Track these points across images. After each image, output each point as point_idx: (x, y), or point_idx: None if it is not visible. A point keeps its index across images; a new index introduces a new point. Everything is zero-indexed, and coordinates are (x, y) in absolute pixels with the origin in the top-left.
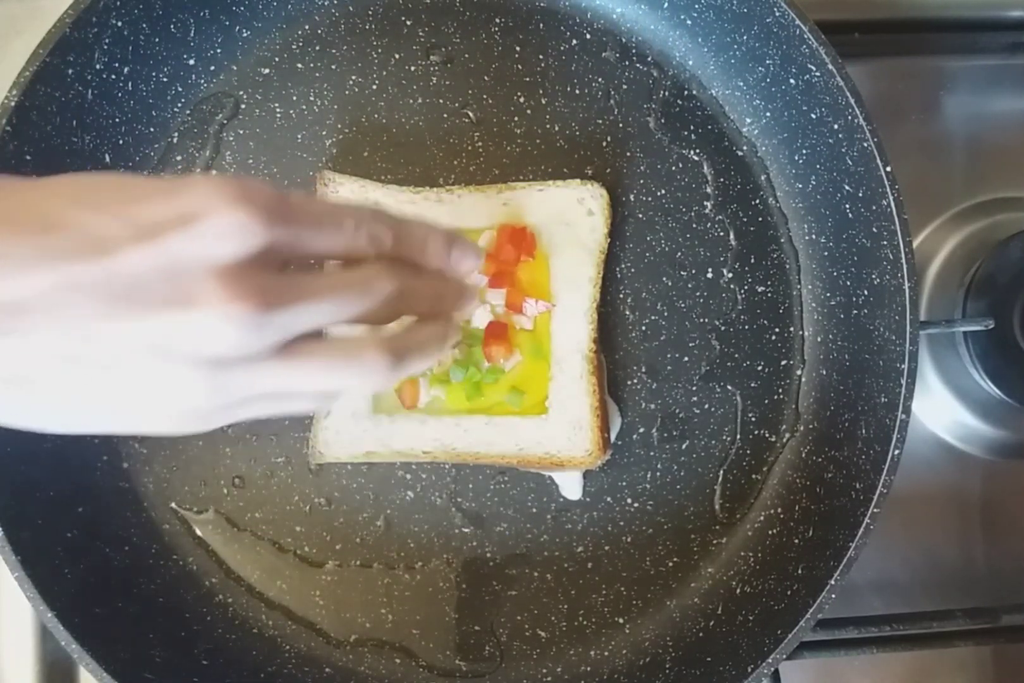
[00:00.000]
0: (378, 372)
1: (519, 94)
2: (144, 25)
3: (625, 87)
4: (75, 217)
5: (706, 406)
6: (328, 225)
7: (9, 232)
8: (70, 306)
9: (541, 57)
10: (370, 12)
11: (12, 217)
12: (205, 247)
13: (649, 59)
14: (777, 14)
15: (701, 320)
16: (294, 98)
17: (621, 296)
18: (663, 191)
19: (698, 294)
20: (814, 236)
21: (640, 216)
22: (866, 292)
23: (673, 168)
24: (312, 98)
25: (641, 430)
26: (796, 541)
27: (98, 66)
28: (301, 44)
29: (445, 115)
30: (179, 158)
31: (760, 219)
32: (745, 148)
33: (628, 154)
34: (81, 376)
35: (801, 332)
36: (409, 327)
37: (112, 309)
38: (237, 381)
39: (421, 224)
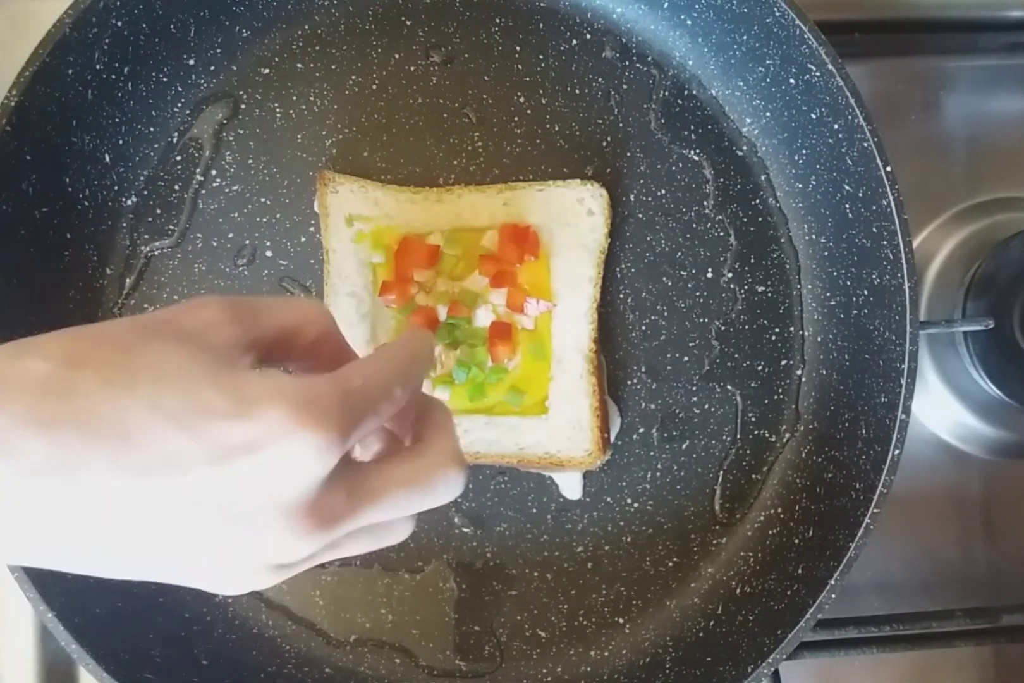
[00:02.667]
0: (458, 484)
1: (519, 94)
2: (144, 25)
3: (625, 87)
4: (150, 431)
5: (706, 406)
6: (385, 404)
7: (90, 437)
8: (139, 527)
9: (541, 57)
10: (370, 12)
11: (92, 419)
12: (276, 478)
13: (649, 59)
14: (777, 14)
15: (701, 320)
16: (294, 98)
17: (621, 296)
18: (663, 191)
19: (698, 294)
20: (814, 236)
21: (640, 216)
22: (866, 292)
23: (673, 168)
24: (312, 98)
25: (641, 430)
26: (796, 541)
27: (98, 66)
28: (301, 44)
29: (445, 115)
30: (179, 158)
31: (760, 219)
32: (745, 148)
33: (628, 154)
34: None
35: (801, 332)
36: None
37: (187, 535)
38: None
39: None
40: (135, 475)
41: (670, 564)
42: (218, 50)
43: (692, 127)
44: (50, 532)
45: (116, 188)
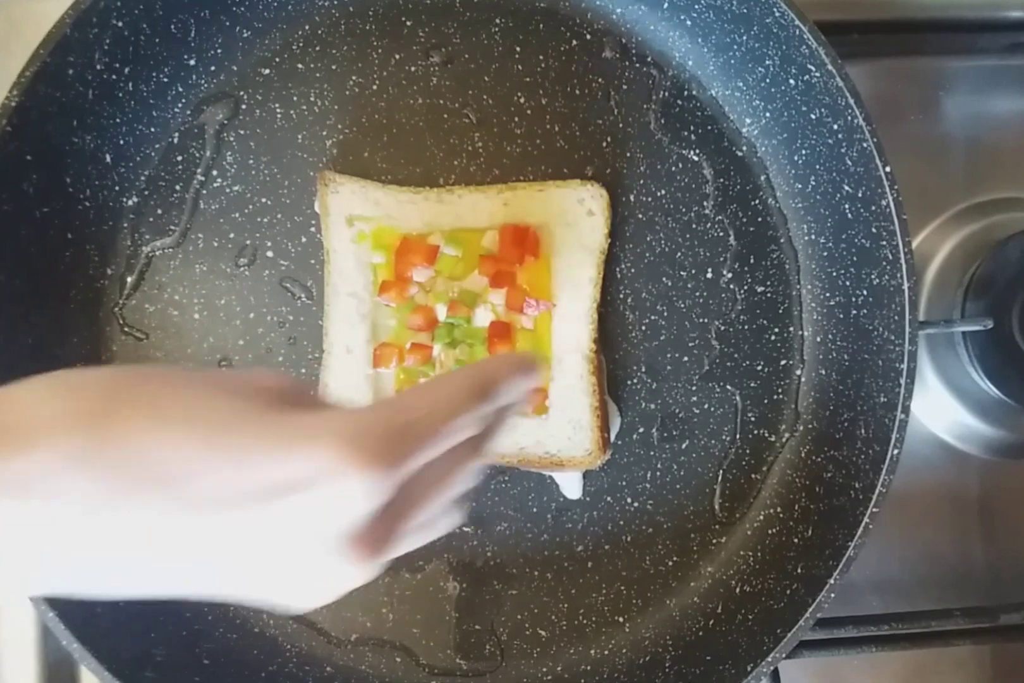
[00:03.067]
0: (477, 474)
1: (519, 94)
2: (144, 25)
3: (625, 87)
4: (190, 471)
5: (706, 406)
6: (443, 436)
7: (133, 477)
8: (188, 558)
9: (541, 57)
10: (370, 12)
11: (135, 460)
12: (326, 515)
13: (649, 59)
14: (777, 14)
15: (701, 320)
16: (294, 98)
17: (621, 296)
18: (663, 191)
19: (698, 294)
20: (814, 236)
21: (640, 216)
22: (865, 292)
23: (673, 168)
24: (312, 98)
25: (641, 430)
26: (795, 540)
27: (98, 66)
28: (301, 44)
29: (445, 115)
30: (179, 158)
31: (760, 219)
32: (745, 148)
33: (628, 154)
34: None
35: (801, 332)
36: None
37: (236, 563)
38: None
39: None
40: (185, 511)
41: (670, 563)
42: (219, 50)
43: (692, 127)
44: (100, 563)
45: (117, 188)
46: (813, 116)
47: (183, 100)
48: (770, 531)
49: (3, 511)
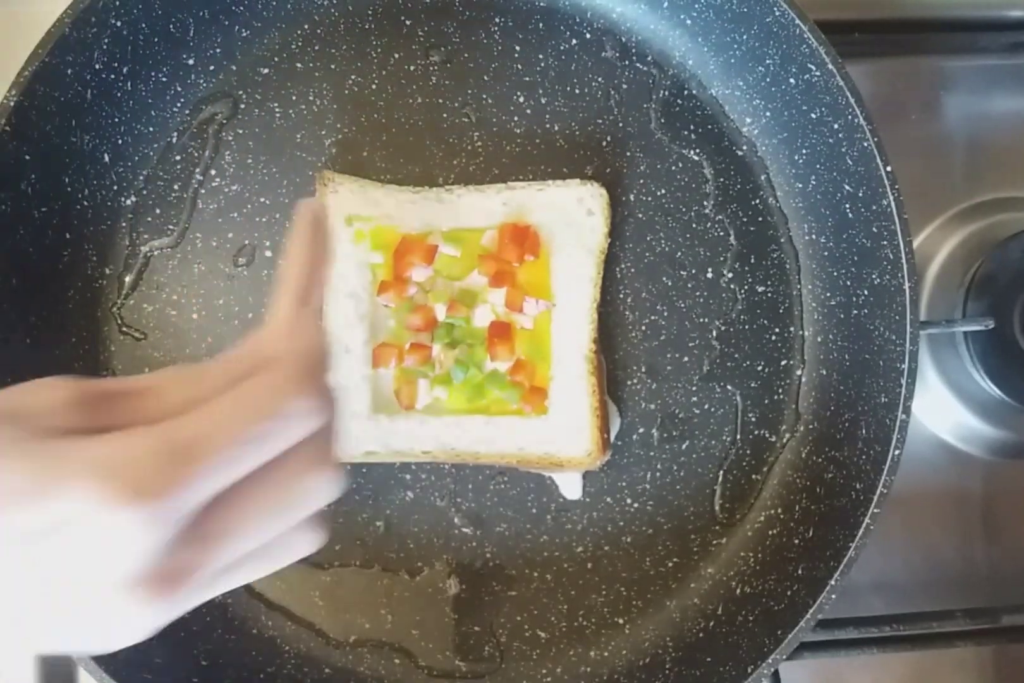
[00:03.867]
0: (331, 488)
1: (519, 94)
2: (143, 25)
3: (625, 87)
4: None
5: (706, 406)
6: (242, 453)
7: None
8: None
9: (541, 57)
10: (370, 12)
11: None
12: (92, 557)
13: (649, 59)
14: (777, 14)
15: (701, 320)
16: (294, 98)
17: (621, 296)
18: (663, 191)
19: (698, 294)
20: (814, 236)
21: (640, 216)
22: (866, 292)
23: (673, 168)
24: (312, 98)
25: (641, 430)
26: (796, 541)
27: (97, 66)
28: (301, 44)
29: (445, 115)
30: (178, 158)
31: (760, 219)
32: (745, 148)
33: (628, 154)
34: None
35: (801, 332)
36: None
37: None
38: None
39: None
40: None
41: (670, 564)
42: (217, 50)
43: (692, 127)
44: None
45: (115, 188)
46: (813, 115)
47: (182, 100)
48: (771, 532)
49: None
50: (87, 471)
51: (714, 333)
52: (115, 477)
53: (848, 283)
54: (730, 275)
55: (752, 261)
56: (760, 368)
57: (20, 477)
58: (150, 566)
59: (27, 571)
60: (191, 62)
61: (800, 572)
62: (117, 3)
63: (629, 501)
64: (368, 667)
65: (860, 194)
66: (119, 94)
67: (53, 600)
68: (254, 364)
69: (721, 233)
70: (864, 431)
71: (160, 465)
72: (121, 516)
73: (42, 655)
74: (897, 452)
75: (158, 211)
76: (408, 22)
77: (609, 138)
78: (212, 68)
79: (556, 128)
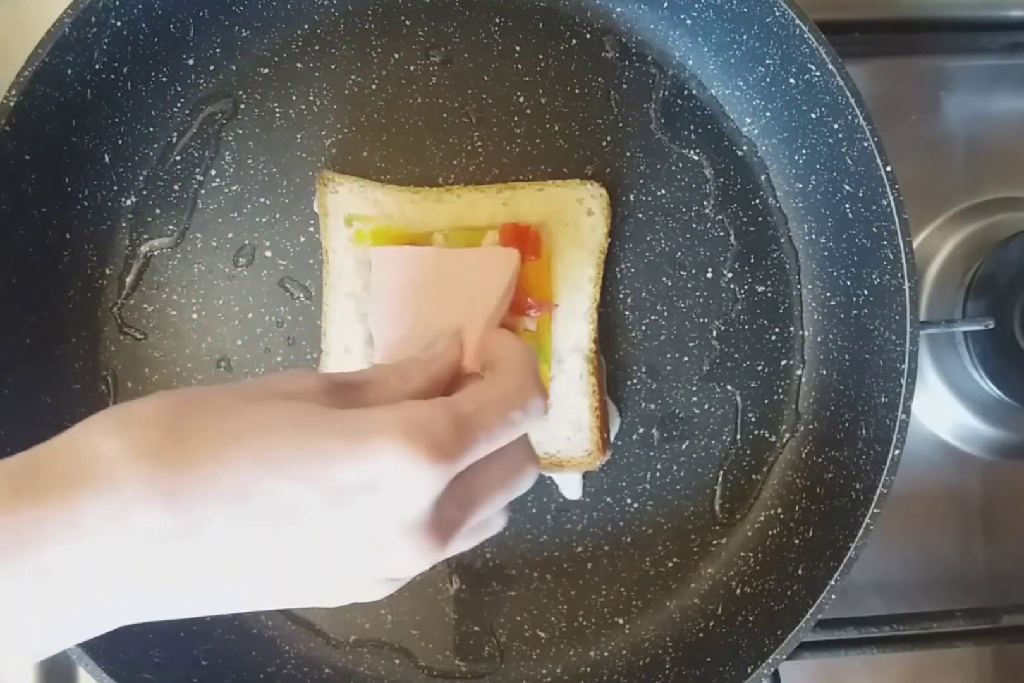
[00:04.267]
0: (535, 474)
1: (519, 94)
2: (143, 25)
3: (625, 87)
4: (266, 485)
5: (706, 406)
6: (500, 430)
7: (211, 500)
8: (270, 570)
9: (541, 57)
10: (370, 12)
11: (209, 482)
12: (393, 510)
13: (649, 59)
14: (777, 14)
15: (701, 320)
16: (294, 98)
17: (621, 296)
18: (663, 191)
19: (698, 294)
20: (814, 236)
21: (640, 216)
22: (866, 292)
23: (673, 168)
24: (312, 98)
25: (641, 430)
26: (796, 541)
27: (97, 66)
28: (300, 44)
29: (444, 114)
30: (178, 158)
31: (760, 219)
32: (745, 148)
33: (628, 154)
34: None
35: (801, 332)
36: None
37: (311, 568)
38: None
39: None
40: (257, 526)
41: (670, 564)
42: (217, 50)
43: (692, 127)
44: (181, 586)
45: (115, 188)
46: (813, 115)
47: (182, 100)
48: (771, 532)
49: (102, 549)
50: (392, 429)
51: (714, 333)
52: (419, 438)
53: (848, 283)
54: (730, 275)
55: (752, 261)
56: (760, 368)
57: (328, 439)
58: (431, 516)
59: (343, 520)
60: (191, 62)
61: (800, 572)
62: (117, 3)
63: (629, 501)
64: (368, 667)
65: (860, 194)
66: (119, 94)
67: (347, 550)
68: (448, 365)
69: (721, 233)
70: (864, 431)
71: (451, 431)
72: (424, 472)
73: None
74: (897, 452)
75: (158, 211)
76: (408, 22)
77: (609, 138)
78: (212, 68)
79: (556, 128)
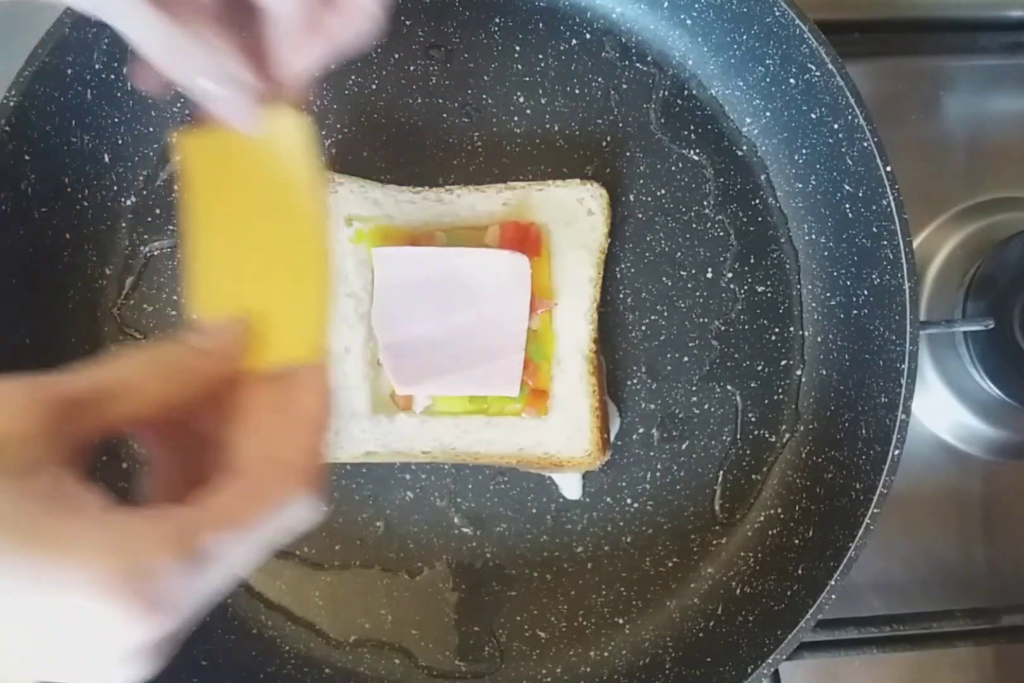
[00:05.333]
0: (305, 502)
1: (519, 94)
2: None
3: (625, 87)
4: None
5: (706, 406)
6: (245, 551)
7: None
8: None
9: (541, 57)
10: None
11: None
12: (83, 640)
13: (649, 59)
14: (777, 14)
15: (701, 320)
16: None
17: (621, 296)
18: (663, 191)
19: (698, 294)
20: (814, 236)
21: (640, 216)
22: (866, 292)
23: (673, 168)
24: (312, 98)
25: (641, 430)
26: (796, 541)
27: (97, 66)
28: None
29: (445, 115)
30: (178, 158)
31: (760, 219)
32: (745, 148)
33: (628, 154)
34: None
35: (801, 332)
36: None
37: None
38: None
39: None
40: None
41: (670, 564)
42: None
43: (692, 127)
44: None
45: (115, 188)
46: (813, 115)
47: (182, 99)
48: (771, 532)
49: None
50: (93, 571)
51: (714, 333)
52: (123, 585)
53: (848, 283)
54: (730, 275)
55: (752, 261)
56: (760, 368)
57: (22, 559)
58: (143, 645)
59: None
60: None
61: (800, 572)
62: None
63: (629, 501)
64: (368, 667)
65: (860, 194)
66: (119, 94)
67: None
68: (224, 366)
69: (721, 233)
70: (864, 431)
71: (173, 568)
72: (130, 626)
73: None
74: (897, 452)
75: (158, 211)
76: (408, 22)
77: (609, 138)
78: None
79: (556, 128)
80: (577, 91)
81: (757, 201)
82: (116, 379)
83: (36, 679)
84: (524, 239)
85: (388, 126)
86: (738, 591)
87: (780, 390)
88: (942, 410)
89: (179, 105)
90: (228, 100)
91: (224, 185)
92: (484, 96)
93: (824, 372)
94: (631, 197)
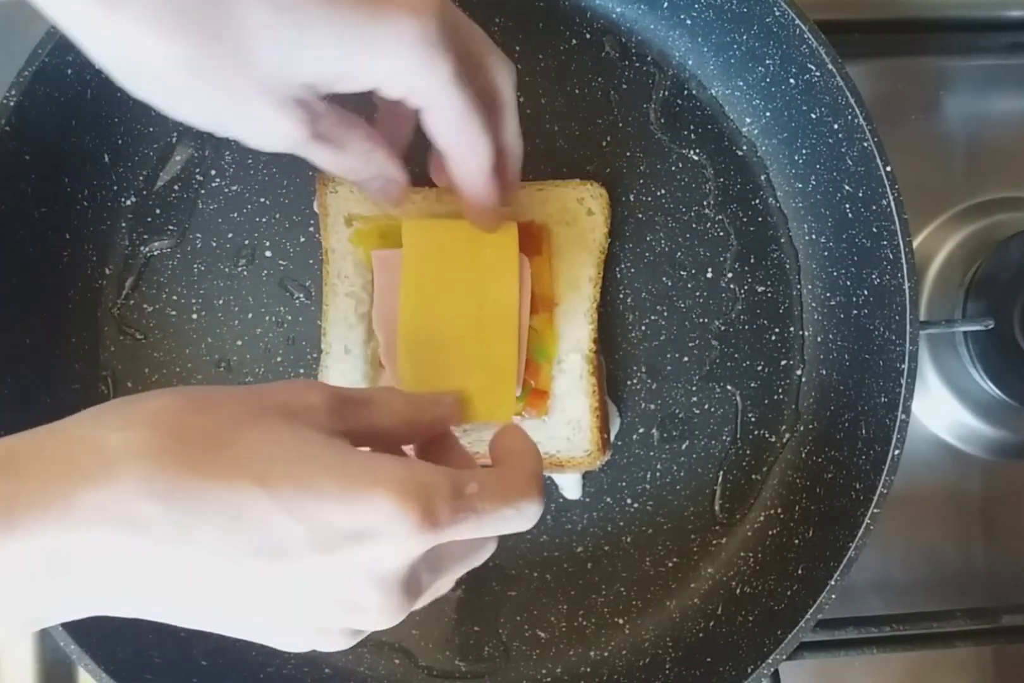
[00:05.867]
0: (533, 514)
1: (519, 94)
2: None
3: (625, 87)
4: (258, 511)
5: (706, 406)
6: (491, 523)
7: (202, 513)
8: (240, 600)
9: (540, 56)
10: None
11: (204, 495)
12: (374, 563)
13: (649, 59)
14: (777, 14)
15: (701, 320)
16: None
17: (621, 296)
18: (663, 191)
19: (698, 294)
20: (814, 236)
21: (640, 216)
22: (866, 292)
23: (673, 168)
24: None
25: (641, 430)
26: (796, 541)
27: (98, 66)
28: None
29: None
30: (178, 158)
31: (760, 219)
32: (745, 148)
33: (628, 154)
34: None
35: (801, 332)
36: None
37: (280, 606)
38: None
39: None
40: (242, 555)
41: (670, 564)
42: None
43: (692, 127)
44: (151, 591)
45: (115, 188)
46: (813, 115)
47: None
48: (770, 532)
49: (90, 539)
50: (394, 490)
51: (714, 333)
52: (416, 501)
53: (848, 283)
54: (730, 275)
55: (752, 261)
56: (760, 368)
57: (329, 481)
58: (407, 577)
59: (325, 564)
60: None
61: (800, 572)
62: None
63: (629, 501)
64: (368, 667)
65: (860, 194)
66: (119, 94)
67: (323, 595)
68: (443, 421)
69: (721, 233)
70: (864, 431)
71: (448, 502)
72: (414, 535)
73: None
74: (897, 452)
75: (158, 211)
76: None
77: (609, 138)
78: None
79: (556, 128)
80: (577, 91)
81: (757, 201)
82: (379, 396)
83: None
84: (526, 236)
85: None
86: (738, 591)
87: (780, 390)
88: (942, 410)
89: None
90: (379, 189)
91: (437, 269)
92: None
93: (824, 372)
94: (631, 197)
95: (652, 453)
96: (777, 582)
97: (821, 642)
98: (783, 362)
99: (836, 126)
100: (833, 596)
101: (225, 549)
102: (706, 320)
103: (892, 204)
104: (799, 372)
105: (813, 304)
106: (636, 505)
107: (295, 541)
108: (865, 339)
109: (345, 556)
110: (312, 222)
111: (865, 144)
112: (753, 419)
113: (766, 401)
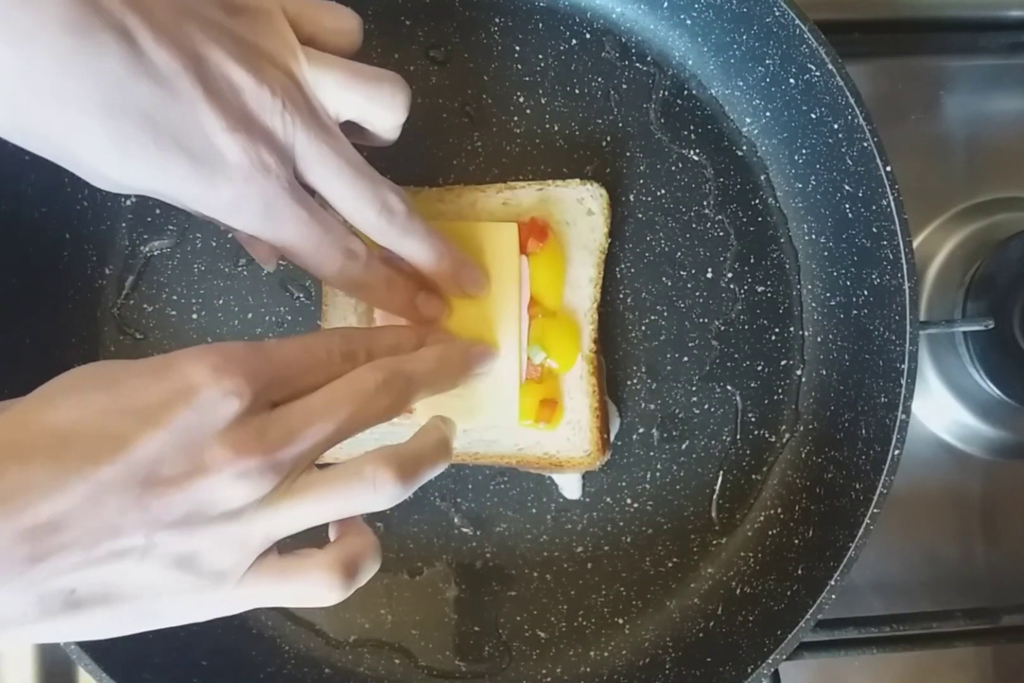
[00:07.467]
0: (385, 487)
1: (519, 94)
2: None
3: (625, 87)
4: (81, 423)
5: (706, 406)
6: (303, 362)
7: (27, 461)
8: (105, 508)
9: (541, 57)
10: (369, 12)
11: (23, 447)
12: (204, 415)
13: (649, 59)
14: (777, 14)
15: (701, 320)
16: None
17: (621, 296)
18: (663, 191)
19: (698, 294)
20: (814, 236)
21: (640, 216)
22: (866, 292)
23: (673, 168)
24: None
25: (641, 430)
26: (796, 541)
27: None
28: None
29: (444, 114)
30: None
31: (760, 219)
32: (745, 148)
33: (628, 154)
34: (124, 572)
35: (801, 332)
36: (413, 436)
37: (141, 498)
38: (252, 530)
39: (391, 330)
40: (81, 467)
41: (670, 564)
42: None
43: (692, 127)
44: None
45: None
46: (813, 115)
47: None
48: (770, 532)
49: None
50: (191, 355)
51: (714, 333)
52: (214, 353)
53: (848, 283)
54: (730, 275)
55: (752, 261)
56: (760, 368)
57: (138, 371)
58: (246, 424)
59: (158, 438)
60: None
61: (800, 572)
62: None
63: (629, 501)
64: (368, 667)
65: (860, 194)
66: None
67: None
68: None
69: (721, 233)
70: (864, 431)
71: (249, 353)
72: (225, 377)
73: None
74: (897, 452)
75: (158, 211)
76: (408, 22)
77: (609, 138)
78: None
79: (556, 128)
80: (577, 91)
81: (757, 201)
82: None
83: None
84: (529, 229)
85: None
86: (738, 591)
87: (780, 390)
88: (942, 410)
89: None
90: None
91: None
92: (484, 96)
93: (824, 372)
94: (631, 197)
95: (652, 453)
96: (777, 582)
97: (821, 642)
98: (783, 362)
99: (836, 126)
100: (833, 596)
101: (66, 471)
102: (706, 320)
103: (892, 204)
104: (799, 372)
105: (813, 304)
106: (636, 505)
107: (122, 427)
108: (865, 339)
109: (174, 420)
110: None
111: (865, 144)
112: (753, 419)
113: (766, 401)
